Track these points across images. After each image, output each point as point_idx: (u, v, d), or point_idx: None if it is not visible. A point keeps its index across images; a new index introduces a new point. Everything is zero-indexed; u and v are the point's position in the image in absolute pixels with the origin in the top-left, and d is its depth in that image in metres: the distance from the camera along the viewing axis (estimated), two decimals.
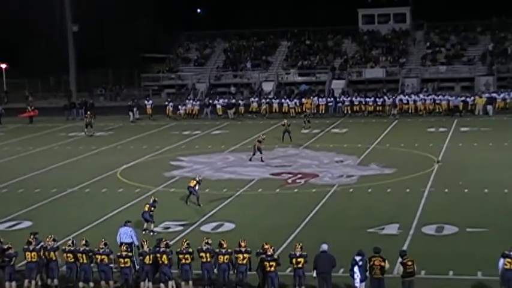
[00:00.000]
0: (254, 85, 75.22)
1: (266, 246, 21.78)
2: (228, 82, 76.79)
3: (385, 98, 61.82)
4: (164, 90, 77.21)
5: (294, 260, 21.33)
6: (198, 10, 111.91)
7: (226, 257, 21.91)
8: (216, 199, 33.51)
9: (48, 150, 49.08)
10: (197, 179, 32.72)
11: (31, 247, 22.59)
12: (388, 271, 20.94)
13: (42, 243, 22.89)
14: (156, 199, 29.16)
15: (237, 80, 77.20)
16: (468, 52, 75.81)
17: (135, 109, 64.03)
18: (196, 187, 32.12)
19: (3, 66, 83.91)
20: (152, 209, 28.53)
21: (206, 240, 22.41)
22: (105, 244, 22.50)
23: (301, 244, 21.69)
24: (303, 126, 53.99)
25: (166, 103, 64.79)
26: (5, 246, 22.68)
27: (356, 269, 20.77)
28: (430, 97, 60.91)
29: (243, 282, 21.88)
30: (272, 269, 21.32)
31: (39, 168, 42.17)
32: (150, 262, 22.10)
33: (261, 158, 41.88)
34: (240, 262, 21.84)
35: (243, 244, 22.01)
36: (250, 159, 42.16)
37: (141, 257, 22.34)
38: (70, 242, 22.91)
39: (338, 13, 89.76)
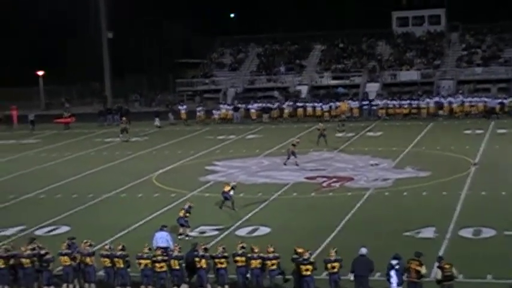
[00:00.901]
0: (291, 89, 74.95)
1: (299, 250, 21.76)
2: (262, 86, 76.77)
3: (421, 100, 61.56)
4: (202, 95, 77.37)
5: (329, 265, 21.28)
6: (232, 15, 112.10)
7: (258, 261, 21.92)
8: (251, 203, 33.54)
9: (85, 156, 49.46)
10: (232, 184, 32.75)
11: (64, 251, 22.80)
12: (424, 275, 20.80)
13: (78, 248, 23.07)
14: (191, 204, 29.25)
15: (270, 84, 77.16)
16: (505, 53, 75.05)
17: (170, 114, 64.44)
18: (231, 192, 32.15)
19: (41, 73, 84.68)
20: (187, 214, 28.62)
21: (241, 245, 22.45)
22: (150, 249, 22.63)
23: (335, 249, 21.63)
24: (337, 130, 53.86)
25: (198, 108, 65.09)
26: (43, 252, 22.91)
27: (392, 272, 20.67)
28: (467, 99, 60.51)
29: (274, 286, 21.88)
30: (308, 272, 21.29)
31: (75, 174, 42.50)
32: (178, 267, 22.14)
33: (296, 162, 41.84)
34: (270, 267, 21.86)
35: (270, 250, 22.02)
36: (284, 164, 42.15)
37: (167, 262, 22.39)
38: (107, 246, 23.08)
39: (372, 16, 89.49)
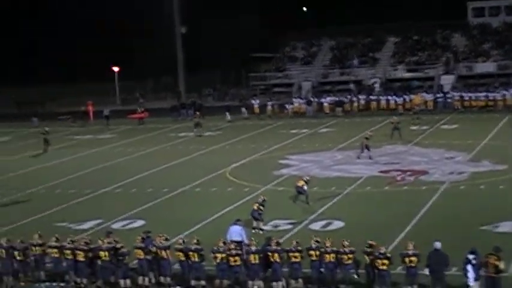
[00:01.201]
0: (365, 82, 74.34)
1: (371, 243, 21.61)
2: (335, 80, 76.38)
3: (498, 92, 60.53)
4: (272, 89, 77.44)
5: (406, 259, 21.05)
6: (304, 8, 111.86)
7: (332, 255, 21.85)
8: (324, 197, 33.47)
9: (159, 151, 50.01)
10: (305, 178, 32.72)
11: (138, 245, 23.10)
12: (503, 270, 20.44)
13: (153, 242, 23.33)
14: (265, 198, 29.33)
15: (344, 77, 76.75)
16: None
17: (243, 108, 64.74)
18: (305, 187, 32.11)
19: (116, 69, 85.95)
20: (261, 207, 28.69)
21: (315, 239, 22.42)
22: (224, 243, 22.78)
23: (413, 242, 21.40)
24: (412, 123, 53.34)
25: (269, 102, 65.23)
26: (118, 246, 23.24)
27: (469, 267, 20.38)
28: None
29: (349, 280, 21.79)
30: (384, 267, 21.14)
31: (151, 168, 43.02)
32: (257, 261, 22.23)
33: (369, 155, 41.59)
34: (346, 262, 21.75)
35: (346, 244, 21.90)
36: (358, 157, 41.93)
37: (246, 255, 22.47)
38: (181, 240, 23.28)
39: (446, 7, 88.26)
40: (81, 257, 23.24)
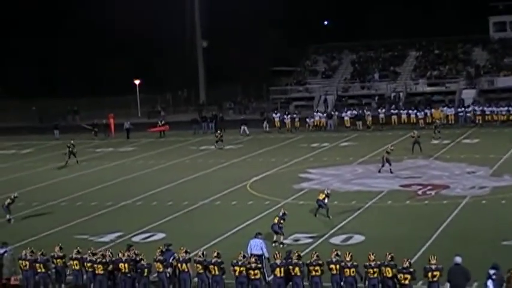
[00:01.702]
0: (386, 94, 74.11)
1: (388, 258, 21.49)
2: (356, 94, 76.33)
3: None
4: (292, 103, 77.46)
5: (429, 274, 20.89)
6: (325, 22, 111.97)
7: (352, 270, 21.77)
8: (345, 211, 33.40)
9: (180, 164, 50.12)
10: (326, 192, 32.68)
11: (158, 258, 23.11)
12: None
13: (174, 255, 23.34)
14: (286, 212, 29.31)
15: (364, 91, 76.68)
16: None
17: (264, 122, 64.83)
18: (325, 200, 32.09)
19: (137, 82, 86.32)
20: (282, 221, 28.68)
21: (335, 252, 22.36)
22: (244, 256, 22.77)
23: (436, 257, 21.26)
24: (433, 137, 53.19)
25: (276, 115, 65.30)
26: (138, 258, 23.26)
27: (489, 282, 20.25)
28: None
29: None
30: (406, 282, 21.02)
31: (171, 182, 43.11)
32: (282, 275, 22.18)
33: (390, 169, 41.49)
34: (371, 276, 21.63)
35: (372, 257, 21.79)
36: (379, 171, 41.84)
37: (271, 269, 22.42)
38: (200, 253, 23.28)
39: (468, 21, 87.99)
40: (100, 270, 23.27)
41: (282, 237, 28.55)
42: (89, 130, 67.36)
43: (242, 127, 63.28)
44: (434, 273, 20.84)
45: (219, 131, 57.57)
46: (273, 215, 30.59)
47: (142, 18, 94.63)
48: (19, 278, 24.33)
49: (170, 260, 23.19)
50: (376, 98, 72.45)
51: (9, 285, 24.47)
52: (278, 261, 22.35)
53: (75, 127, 74.81)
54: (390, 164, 41.56)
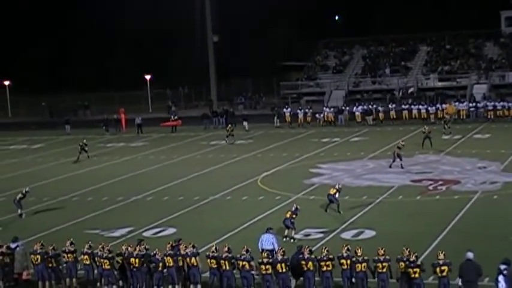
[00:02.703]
0: (408, 89, 73.83)
1: (406, 253, 21.51)
2: (367, 89, 76.23)
3: None
4: (303, 97, 77.44)
5: (437, 269, 20.92)
6: (336, 17, 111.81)
7: (363, 265, 21.77)
8: (356, 206, 33.38)
9: (191, 159, 50.17)
10: (337, 186, 32.66)
11: (168, 252, 23.11)
12: None
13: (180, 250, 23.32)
14: (299, 207, 29.31)
15: (375, 86, 76.58)
16: None
17: (275, 117, 64.81)
18: (337, 195, 32.08)
19: (148, 77, 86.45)
20: (294, 216, 28.67)
21: (346, 247, 22.35)
22: (247, 251, 22.77)
23: (443, 252, 21.27)
24: (443, 132, 53.06)
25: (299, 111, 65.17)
26: (152, 253, 23.29)
27: (501, 278, 20.20)
28: None
29: None
30: (416, 275, 21.03)
31: (182, 177, 43.16)
32: (284, 270, 22.16)
33: (401, 164, 41.43)
34: (380, 271, 21.64)
35: (381, 252, 21.77)
36: (390, 166, 41.80)
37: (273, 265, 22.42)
38: (213, 248, 23.28)
39: (479, 16, 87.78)
40: (106, 265, 23.31)
41: (293, 232, 28.55)
42: (100, 125, 67.44)
43: (244, 123, 63.10)
44: (442, 268, 20.84)
45: (229, 126, 57.57)
46: (283, 210, 30.62)
47: (154, 13, 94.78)
48: (31, 272, 24.40)
49: (172, 253, 23.13)
50: (388, 95, 72.31)
51: (21, 280, 24.56)
52: (280, 257, 22.30)
53: (86, 122, 75.03)
54: (401, 159, 41.49)
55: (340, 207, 32.04)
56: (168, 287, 23.09)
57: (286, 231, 28.55)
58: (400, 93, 72.12)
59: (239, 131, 60.24)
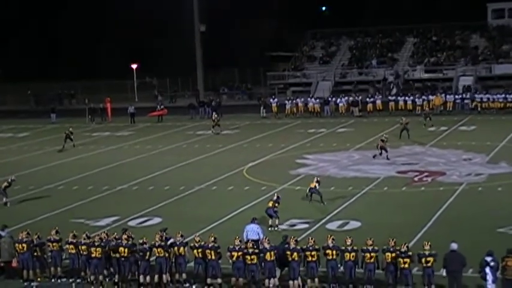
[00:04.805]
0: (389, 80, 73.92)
1: (392, 243, 21.61)
2: (353, 80, 76.33)
3: None
4: (289, 88, 77.44)
5: (423, 260, 21.05)
6: (323, 8, 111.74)
7: (352, 254, 21.88)
8: (341, 197, 33.43)
9: (177, 149, 50.12)
10: (316, 179, 32.66)
11: (158, 243, 23.07)
12: None
13: (172, 240, 23.32)
14: (280, 196, 29.36)
15: (362, 77, 76.68)
16: None
17: (261, 108, 64.77)
18: (317, 186, 32.05)
19: (134, 66, 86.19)
20: (276, 205, 28.75)
21: (332, 238, 22.42)
22: (240, 241, 22.79)
23: (429, 243, 21.37)
24: (424, 124, 53.06)
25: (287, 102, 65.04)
26: (140, 241, 23.24)
27: (488, 269, 20.33)
28: None
29: (371, 280, 21.78)
30: (406, 265, 21.17)
31: (168, 166, 43.11)
32: (272, 259, 22.22)
33: (387, 156, 41.49)
34: (368, 261, 21.75)
35: (369, 242, 21.89)
36: (373, 157, 41.86)
37: (261, 254, 22.50)
38: (197, 238, 23.29)
39: (466, 8, 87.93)
40: (97, 253, 23.29)
41: (277, 221, 28.60)
42: (85, 114, 67.15)
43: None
44: (428, 259, 21.00)
45: (215, 116, 57.46)
46: (269, 200, 30.61)
47: (142, 2, 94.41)
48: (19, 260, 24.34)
49: (163, 245, 23.11)
50: (371, 87, 72.36)
51: (10, 267, 24.48)
52: (267, 246, 22.36)
53: (71, 111, 74.76)
54: (387, 151, 41.55)
55: (323, 198, 32.07)
56: (154, 276, 23.06)
57: (270, 221, 28.60)
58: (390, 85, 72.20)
59: (225, 121, 60.11)
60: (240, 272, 22.44)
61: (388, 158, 41.38)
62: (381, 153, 41.62)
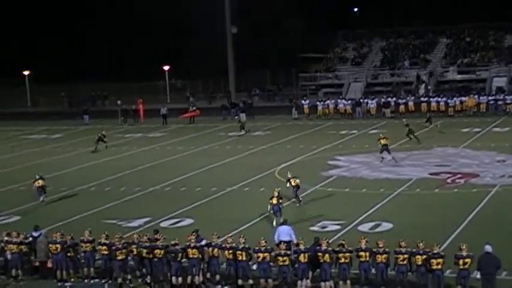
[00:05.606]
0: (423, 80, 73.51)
1: (420, 245, 21.48)
2: (386, 81, 76.01)
3: None
4: (321, 89, 77.30)
5: (461, 261, 20.87)
6: (355, 9, 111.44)
7: (384, 256, 21.78)
8: (373, 199, 33.28)
9: (209, 150, 50.22)
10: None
11: (193, 244, 23.10)
12: None
13: (204, 241, 23.34)
14: (279, 191, 29.78)
15: (394, 78, 76.33)
16: None
17: (293, 109, 64.73)
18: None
19: (167, 68, 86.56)
20: (280, 200, 29.12)
21: (365, 239, 22.33)
22: (266, 242, 22.78)
23: (466, 244, 21.17)
24: (425, 127, 52.51)
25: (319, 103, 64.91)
26: (172, 242, 23.30)
27: None
28: None
29: (404, 282, 21.65)
30: (439, 266, 21.02)
31: (200, 167, 43.21)
32: (306, 260, 22.20)
33: (393, 157, 41.37)
34: (400, 262, 21.64)
35: (403, 244, 21.78)
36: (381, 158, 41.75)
37: (295, 255, 22.47)
38: (230, 239, 23.30)
39: (499, 8, 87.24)
40: (122, 255, 23.41)
41: (280, 219, 27.96)
42: (117, 115, 67.52)
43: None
44: (466, 260, 20.81)
45: (241, 117, 57.57)
46: (271, 197, 30.23)
47: (172, 4, 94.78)
48: None
49: (198, 246, 23.16)
50: (403, 89, 72.00)
51: (45, 268, 24.65)
52: (302, 247, 22.34)
53: (104, 112, 75.22)
54: (389, 152, 41.34)
55: (299, 198, 32.56)
56: (187, 277, 23.09)
57: (274, 222, 28.46)
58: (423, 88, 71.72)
59: (257, 122, 60.07)
60: (266, 272, 22.41)
61: (382, 159, 41.32)
62: (390, 154, 41.46)
